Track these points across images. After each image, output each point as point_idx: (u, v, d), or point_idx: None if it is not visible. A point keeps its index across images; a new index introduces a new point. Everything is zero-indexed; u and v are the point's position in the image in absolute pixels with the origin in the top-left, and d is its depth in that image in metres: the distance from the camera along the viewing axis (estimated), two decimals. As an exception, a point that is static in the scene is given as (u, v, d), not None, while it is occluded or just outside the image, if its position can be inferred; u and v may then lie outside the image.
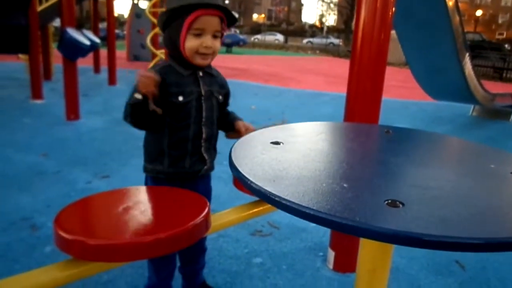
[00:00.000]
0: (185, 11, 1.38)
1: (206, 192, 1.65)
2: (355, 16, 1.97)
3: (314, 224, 2.68)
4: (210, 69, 1.56)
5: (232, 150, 0.96)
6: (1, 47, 5.65)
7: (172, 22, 1.43)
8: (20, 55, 8.71)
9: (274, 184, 0.75)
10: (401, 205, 0.69)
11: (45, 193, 2.90)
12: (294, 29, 56.33)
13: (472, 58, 5.90)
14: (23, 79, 7.82)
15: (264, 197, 0.72)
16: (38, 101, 6.25)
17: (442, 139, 1.19)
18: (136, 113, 1.36)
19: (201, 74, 1.50)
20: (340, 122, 1.34)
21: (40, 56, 6.97)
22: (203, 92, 1.49)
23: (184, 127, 1.47)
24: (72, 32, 4.70)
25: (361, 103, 1.98)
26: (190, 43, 1.41)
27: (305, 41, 43.17)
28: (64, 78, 5.15)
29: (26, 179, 3.16)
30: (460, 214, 0.66)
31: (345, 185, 0.76)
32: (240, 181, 0.80)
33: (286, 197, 0.69)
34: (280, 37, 44.81)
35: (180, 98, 1.43)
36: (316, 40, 41.47)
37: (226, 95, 1.65)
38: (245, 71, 13.09)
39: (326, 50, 30.04)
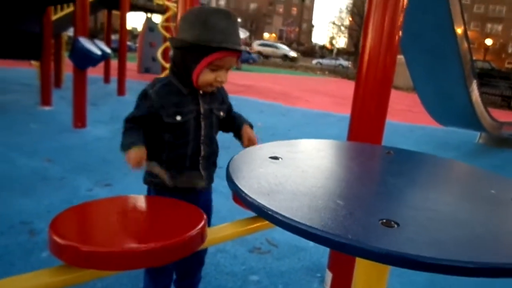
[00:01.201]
0: (207, 48, 1.36)
1: (207, 205, 1.65)
2: (361, 39, 1.99)
3: (313, 244, 2.66)
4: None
5: (230, 163, 0.95)
6: (14, 53, 5.76)
7: (190, 49, 1.39)
8: (33, 62, 8.85)
9: (268, 198, 0.74)
10: (396, 225, 0.68)
11: (46, 199, 2.90)
12: (304, 50, 56.86)
13: (481, 86, 5.90)
14: (34, 86, 7.91)
15: (258, 210, 0.72)
16: (47, 108, 6.31)
17: (444, 162, 1.18)
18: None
19: (201, 92, 1.49)
20: (341, 141, 1.34)
21: (52, 63, 7.08)
22: (202, 111, 1.50)
23: (183, 145, 1.48)
24: (84, 42, 4.77)
25: (365, 124, 1.97)
26: (205, 77, 1.42)
27: (314, 61, 43.45)
28: (74, 86, 5.21)
29: (29, 184, 3.17)
30: (456, 237, 0.64)
31: (340, 202, 0.75)
32: (235, 194, 0.79)
33: (279, 211, 0.68)
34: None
35: (178, 118, 1.44)
36: (325, 61, 41.72)
37: (228, 108, 1.65)
38: (253, 88, 13.17)
39: (335, 72, 30.22)
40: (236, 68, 23.81)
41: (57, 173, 3.46)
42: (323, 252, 2.50)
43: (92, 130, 5.22)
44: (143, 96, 1.46)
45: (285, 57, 39.07)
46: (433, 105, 5.94)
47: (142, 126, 1.44)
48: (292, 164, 0.98)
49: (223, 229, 1.41)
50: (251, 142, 1.56)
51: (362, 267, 0.94)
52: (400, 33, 1.94)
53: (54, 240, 1.06)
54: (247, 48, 37.24)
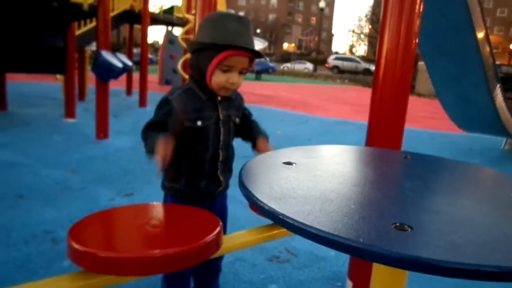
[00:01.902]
0: (217, 47, 1.40)
1: (222, 210, 1.66)
2: (378, 44, 1.97)
3: (334, 253, 2.63)
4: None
5: (243, 168, 0.96)
6: (39, 67, 5.94)
7: (202, 51, 1.44)
8: (58, 76, 9.11)
9: (280, 202, 0.74)
10: (409, 229, 0.66)
11: (68, 208, 2.96)
12: (324, 58, 56.73)
13: (506, 91, 5.74)
14: (59, 99, 8.15)
15: (269, 214, 0.72)
16: (71, 120, 6.47)
17: (462, 166, 1.15)
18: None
19: (219, 98, 1.52)
20: (357, 146, 1.32)
21: (76, 77, 7.28)
22: (221, 117, 1.52)
23: (203, 150, 1.51)
24: (106, 55, 4.89)
25: (383, 131, 1.95)
26: (217, 78, 1.44)
27: (335, 70, 43.25)
28: (96, 98, 5.33)
29: (52, 194, 3.24)
30: (471, 240, 0.63)
31: (352, 206, 0.74)
32: (247, 199, 0.80)
33: (290, 215, 0.68)
34: (309, 66, 45.11)
35: (199, 123, 1.46)
36: (345, 70, 41.45)
37: (245, 116, 1.67)
38: (273, 98, 13.21)
39: (355, 80, 29.99)
40: (256, 78, 23.97)
41: (79, 184, 3.53)
42: (343, 262, 2.46)
43: (114, 141, 5.32)
44: (163, 102, 1.49)
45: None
46: (455, 111, 5.82)
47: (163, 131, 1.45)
48: (305, 169, 0.98)
49: (239, 236, 1.40)
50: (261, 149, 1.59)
51: (379, 273, 0.93)
52: (418, 38, 1.92)
53: (73, 247, 1.08)
54: (267, 59, 37.42)
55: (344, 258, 2.44)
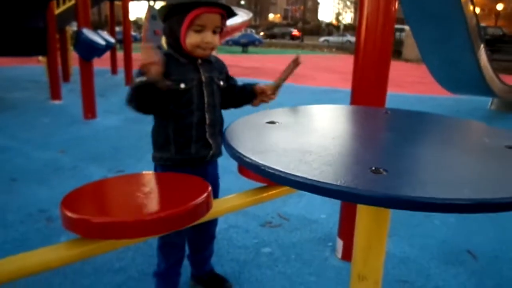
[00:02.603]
0: (186, 7, 1.40)
1: (215, 177, 1.69)
2: (358, 9, 1.98)
3: (324, 216, 2.70)
4: (208, 56, 1.58)
5: (228, 128, 0.98)
6: (20, 50, 5.83)
7: (173, 15, 1.45)
8: (40, 58, 8.94)
9: (261, 155, 0.77)
10: (384, 172, 0.70)
11: (61, 187, 2.98)
12: (310, 28, 56.10)
13: (493, 52, 5.76)
14: (43, 82, 8.02)
15: (252, 167, 0.75)
16: (57, 102, 6.41)
17: (438, 118, 1.19)
18: (141, 96, 1.38)
19: (200, 61, 1.52)
20: (339, 105, 1.35)
21: (59, 58, 7.15)
22: (203, 79, 1.52)
23: (188, 114, 1.50)
24: (88, 33, 4.81)
25: (366, 96, 1.98)
26: (190, 39, 1.44)
27: (321, 39, 42.89)
28: (81, 78, 5.27)
29: (44, 174, 3.26)
30: (439, 178, 0.67)
31: (331, 156, 0.78)
32: (231, 156, 0.83)
33: (271, 165, 0.71)
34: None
35: (182, 85, 1.46)
36: (332, 39, 41.15)
37: (227, 78, 1.68)
38: (260, 70, 13.12)
39: (343, 48, 29.84)
40: (242, 51, 23.70)
41: (70, 163, 3.55)
42: (334, 223, 2.53)
43: (102, 120, 5.29)
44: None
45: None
46: (441, 73, 5.86)
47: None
48: (288, 127, 1.01)
49: (229, 200, 1.45)
50: (269, 88, 1.66)
51: (362, 215, 0.97)
52: (400, 2, 1.93)
53: (67, 215, 1.11)
54: (252, 31, 36.86)
55: (334, 220, 2.51)
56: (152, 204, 1.21)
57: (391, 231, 2.42)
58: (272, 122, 1.05)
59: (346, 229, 2.17)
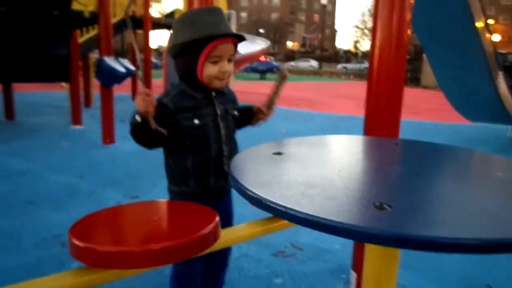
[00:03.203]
0: (200, 42, 1.41)
1: (228, 208, 1.69)
2: (371, 36, 1.99)
3: (338, 246, 2.65)
4: (224, 86, 1.59)
5: (234, 159, 0.98)
6: (44, 76, 6.05)
7: (186, 52, 1.45)
8: (63, 84, 9.23)
9: (264, 188, 0.77)
10: (388, 208, 0.69)
11: (77, 212, 2.99)
12: (328, 55, 56.60)
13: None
14: (65, 107, 8.24)
15: (253, 200, 0.74)
16: (77, 127, 6.56)
17: (450, 150, 1.16)
18: (136, 134, 1.42)
19: (214, 94, 1.54)
20: (349, 135, 1.34)
21: (81, 84, 7.37)
22: (219, 112, 1.53)
23: (205, 148, 1.51)
24: (109, 60, 4.96)
25: (379, 122, 1.96)
26: (208, 71, 1.45)
27: (339, 66, 43.18)
28: (101, 104, 5.41)
29: (61, 199, 3.30)
30: (447, 215, 0.65)
31: (335, 189, 0.77)
32: (234, 188, 0.82)
33: (272, 199, 0.70)
34: (314, 63, 45.09)
35: (196, 121, 1.47)
36: (350, 66, 41.40)
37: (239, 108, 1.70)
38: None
39: (361, 75, 29.89)
40: (260, 78, 23.97)
41: (87, 188, 3.59)
42: (348, 254, 2.47)
43: (120, 145, 5.38)
44: (160, 106, 1.47)
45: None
46: (459, 101, 5.79)
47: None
48: (294, 158, 1.00)
49: (238, 229, 1.43)
50: (260, 111, 1.67)
51: (370, 255, 0.95)
52: (417, 30, 1.94)
53: (73, 243, 1.11)
54: (271, 58, 37.38)
55: (348, 251, 2.45)
56: (159, 233, 1.21)
57: (405, 262, 2.34)
58: (279, 153, 1.04)
59: (360, 261, 2.11)
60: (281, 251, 2.53)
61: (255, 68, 26.80)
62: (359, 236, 0.59)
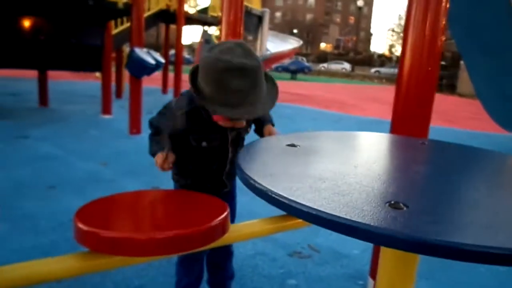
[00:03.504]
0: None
1: (230, 203, 1.64)
2: (402, 42, 1.89)
3: (357, 251, 2.55)
4: None
5: (244, 147, 0.93)
6: (78, 65, 6.17)
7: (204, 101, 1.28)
8: (97, 75, 9.43)
9: (269, 179, 0.71)
10: (404, 207, 0.61)
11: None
12: (362, 58, 55.71)
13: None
14: (98, 97, 8.40)
15: (256, 190, 0.69)
16: (107, 116, 6.68)
17: (481, 153, 1.06)
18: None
19: None
20: (375, 133, 1.25)
21: (113, 75, 7.49)
22: (230, 138, 1.46)
23: (208, 163, 1.50)
24: (139, 52, 5.00)
25: (406, 128, 1.86)
26: (222, 122, 1.35)
27: (373, 70, 42.43)
28: (130, 94, 5.47)
29: (82, 185, 3.34)
30: (467, 219, 0.57)
31: (347, 185, 0.70)
32: (238, 176, 0.77)
33: (276, 191, 0.64)
34: (347, 66, 44.48)
35: (204, 144, 1.43)
36: (384, 70, 40.58)
37: (255, 120, 1.59)
38: (307, 97, 13.09)
39: (394, 80, 29.25)
40: (291, 77, 23.83)
41: (108, 176, 3.62)
42: (367, 260, 2.37)
43: (146, 136, 5.33)
44: (170, 116, 1.44)
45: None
46: (496, 110, 5.52)
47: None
48: (308, 151, 0.94)
49: (249, 225, 1.37)
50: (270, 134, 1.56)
51: (386, 259, 0.87)
52: (455, 36, 1.83)
53: (77, 227, 1.09)
54: (303, 59, 37.05)
55: (367, 257, 2.36)
56: (166, 222, 1.16)
57: (426, 273, 2.23)
58: (293, 145, 0.98)
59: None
60: (297, 252, 2.46)
61: (286, 67, 26.69)
62: (366, 235, 0.53)
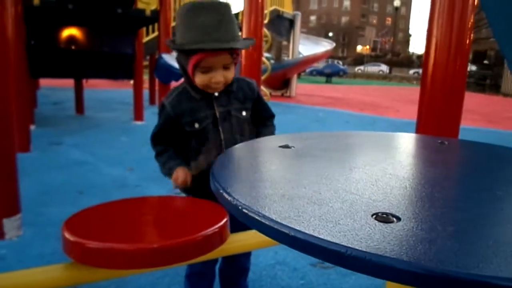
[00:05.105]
0: (188, 50, 1.29)
1: None
2: (426, 42, 1.74)
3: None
4: (230, 85, 1.42)
5: (226, 151, 0.83)
6: (109, 73, 6.30)
7: (180, 51, 1.35)
8: (132, 82, 9.63)
9: (240, 184, 0.61)
10: (395, 220, 0.50)
11: (119, 205, 3.03)
12: (400, 60, 54.32)
13: None
14: (132, 104, 8.59)
15: (219, 195, 0.59)
16: (139, 122, 6.77)
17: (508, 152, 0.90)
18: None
19: (216, 94, 1.40)
20: (389, 132, 1.12)
21: (145, 82, 7.61)
22: (217, 114, 1.40)
23: (206, 151, 1.41)
24: (167, 58, 5.03)
25: (432, 129, 1.70)
26: (199, 79, 1.34)
27: (411, 71, 41.25)
28: (159, 100, 5.50)
29: (109, 190, 3.35)
30: (472, 239, 0.44)
31: (332, 191, 0.58)
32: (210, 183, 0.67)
33: (238, 199, 0.54)
34: (384, 68, 43.48)
35: (196, 125, 1.38)
36: (423, 71, 39.36)
37: (256, 106, 1.50)
38: (341, 100, 12.82)
39: (434, 81, 28.21)
40: (326, 81, 23.49)
41: (134, 181, 3.62)
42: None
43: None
44: (161, 109, 1.45)
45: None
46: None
47: (169, 140, 1.44)
48: (300, 153, 0.83)
49: (251, 235, 1.27)
50: None
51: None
52: (472, 34, 1.67)
53: (64, 237, 1.03)
54: (339, 62, 36.53)
55: (396, 267, 2.19)
56: (158, 232, 1.09)
57: None
58: (287, 146, 0.87)
59: (405, 280, 1.85)
60: (320, 262, 2.32)
61: (321, 71, 26.37)
62: (329, 256, 0.41)
